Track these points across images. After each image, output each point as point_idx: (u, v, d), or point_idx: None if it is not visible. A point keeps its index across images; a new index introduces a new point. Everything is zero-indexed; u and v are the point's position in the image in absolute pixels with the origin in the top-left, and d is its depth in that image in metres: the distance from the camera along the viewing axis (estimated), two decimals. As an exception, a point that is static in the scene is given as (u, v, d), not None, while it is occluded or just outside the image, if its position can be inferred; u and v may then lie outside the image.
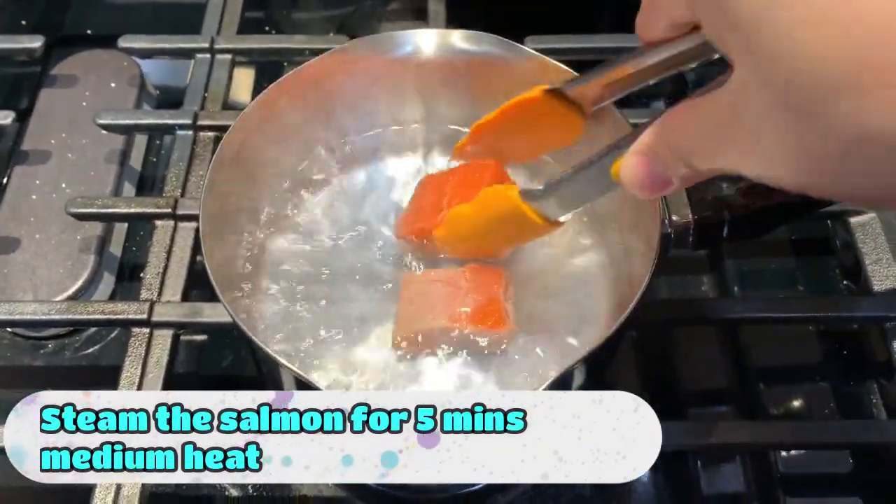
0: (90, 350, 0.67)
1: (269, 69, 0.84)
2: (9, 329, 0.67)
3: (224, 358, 0.66)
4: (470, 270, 0.51)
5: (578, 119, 0.48)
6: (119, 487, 0.52)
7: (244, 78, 0.83)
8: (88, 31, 0.89)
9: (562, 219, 0.46)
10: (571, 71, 0.54)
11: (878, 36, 0.25)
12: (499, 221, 0.48)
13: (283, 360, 0.41)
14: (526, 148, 0.53)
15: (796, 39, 0.26)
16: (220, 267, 0.49)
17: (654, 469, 0.60)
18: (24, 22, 0.88)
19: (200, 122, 0.69)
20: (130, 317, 0.58)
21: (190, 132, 0.69)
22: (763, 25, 0.27)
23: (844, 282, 0.67)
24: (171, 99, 0.81)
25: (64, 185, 0.71)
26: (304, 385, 0.43)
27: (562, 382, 0.42)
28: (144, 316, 0.58)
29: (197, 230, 0.62)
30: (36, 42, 0.75)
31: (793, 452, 0.59)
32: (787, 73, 0.27)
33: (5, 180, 0.73)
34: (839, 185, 0.29)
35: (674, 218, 0.49)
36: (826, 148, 0.27)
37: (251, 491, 0.60)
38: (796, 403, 0.63)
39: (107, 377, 0.62)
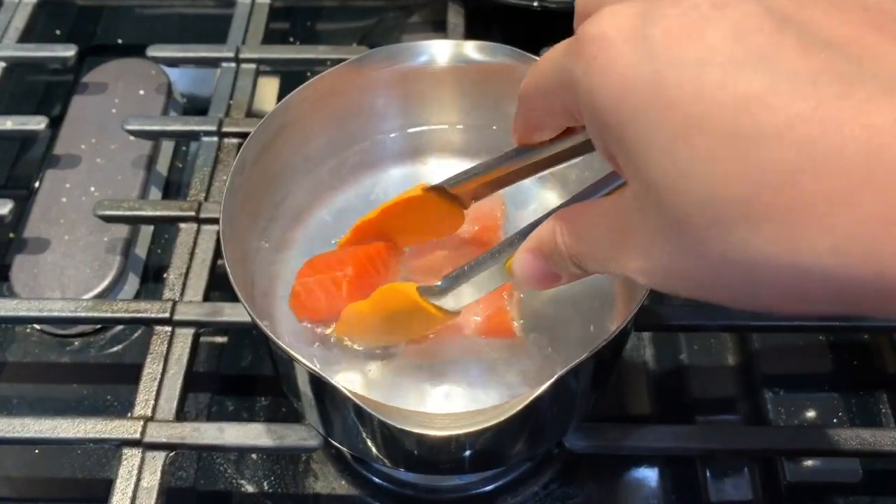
0: (115, 348, 0.70)
1: (293, 78, 0.86)
2: (37, 326, 0.69)
3: (243, 359, 0.68)
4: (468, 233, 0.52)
5: (460, 211, 0.51)
6: (139, 480, 0.54)
7: (269, 87, 0.85)
8: (119, 41, 0.92)
9: (460, 309, 0.46)
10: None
11: (766, 177, 0.26)
12: (398, 317, 0.49)
13: (301, 358, 0.43)
14: (409, 238, 0.55)
15: (693, 174, 0.27)
16: (240, 268, 0.51)
17: (662, 475, 0.61)
18: (57, 31, 0.91)
19: (225, 129, 0.71)
20: (153, 315, 0.60)
21: (215, 139, 0.71)
22: (662, 159, 0.28)
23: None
24: (197, 107, 0.84)
25: (93, 189, 0.74)
26: (319, 384, 0.45)
27: (566, 382, 0.43)
28: (167, 315, 0.60)
29: (219, 233, 0.65)
30: (69, 51, 0.77)
31: (800, 461, 0.59)
32: (682, 203, 0.28)
33: (37, 184, 0.75)
34: (729, 299, 0.30)
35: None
36: (716, 271, 0.28)
37: (266, 488, 0.61)
38: (805, 412, 0.63)
39: (129, 374, 0.64)
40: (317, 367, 0.43)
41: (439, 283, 0.46)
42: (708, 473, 0.60)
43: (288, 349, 0.43)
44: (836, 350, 0.65)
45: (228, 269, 0.47)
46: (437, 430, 0.40)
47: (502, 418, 0.40)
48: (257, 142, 0.52)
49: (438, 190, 0.49)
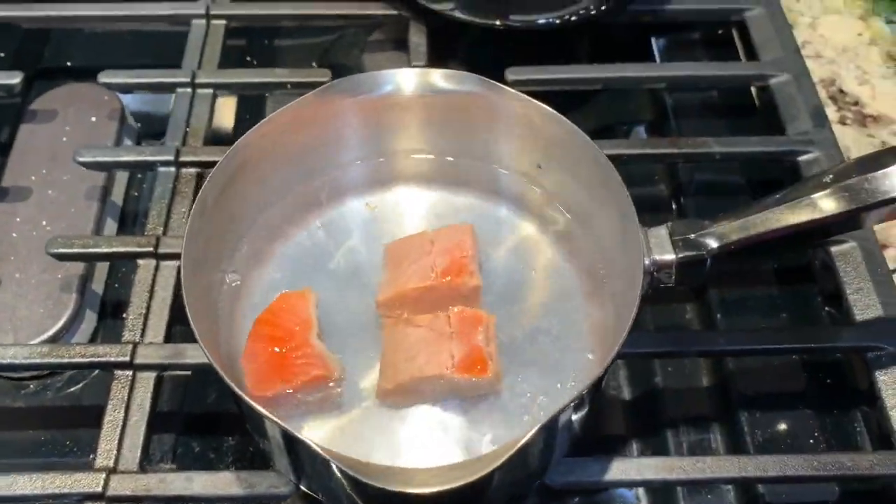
0: (72, 389, 0.67)
1: (252, 98, 0.83)
2: (-12, 370, 0.66)
3: (208, 395, 0.66)
4: (453, 315, 0.51)
5: None
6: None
7: (226, 107, 0.83)
8: (69, 63, 0.88)
9: None
10: (553, 111, 0.55)
11: None
12: None
13: (268, 413, 0.41)
14: None
15: None
16: (204, 318, 0.49)
17: (641, 498, 0.61)
18: (2, 54, 0.87)
19: (182, 159, 0.68)
20: (112, 359, 0.58)
21: (172, 169, 0.68)
22: None
23: (826, 308, 0.68)
24: (152, 129, 0.80)
25: (45, 223, 0.71)
26: (291, 440, 0.43)
27: (551, 423, 0.42)
28: (127, 358, 0.58)
29: (179, 270, 0.62)
30: (14, 78, 0.74)
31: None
32: None
33: (-17, 218, 0.72)
34: None
35: (655, 258, 0.49)
36: None
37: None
38: (781, 432, 0.63)
39: (89, 417, 0.62)
40: (282, 419, 0.42)
41: None
42: (687, 495, 0.60)
43: (259, 408, 0.41)
44: (810, 370, 0.65)
45: (191, 321, 0.45)
46: (418, 487, 0.39)
47: (482, 473, 0.39)
48: (216, 182, 0.50)
49: None
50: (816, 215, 0.47)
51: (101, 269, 0.71)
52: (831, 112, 0.78)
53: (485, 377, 0.48)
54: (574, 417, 0.47)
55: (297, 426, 0.50)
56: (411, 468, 0.45)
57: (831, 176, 0.48)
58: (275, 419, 0.41)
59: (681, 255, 0.49)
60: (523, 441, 0.39)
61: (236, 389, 0.43)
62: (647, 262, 0.49)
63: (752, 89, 0.80)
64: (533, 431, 0.40)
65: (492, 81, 0.55)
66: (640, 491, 0.60)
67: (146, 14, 0.82)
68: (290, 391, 0.49)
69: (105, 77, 0.74)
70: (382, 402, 0.50)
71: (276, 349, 0.50)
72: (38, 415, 0.66)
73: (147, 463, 0.57)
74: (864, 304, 0.61)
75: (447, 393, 0.50)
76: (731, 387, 0.64)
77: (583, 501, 0.60)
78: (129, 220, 0.75)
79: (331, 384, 0.50)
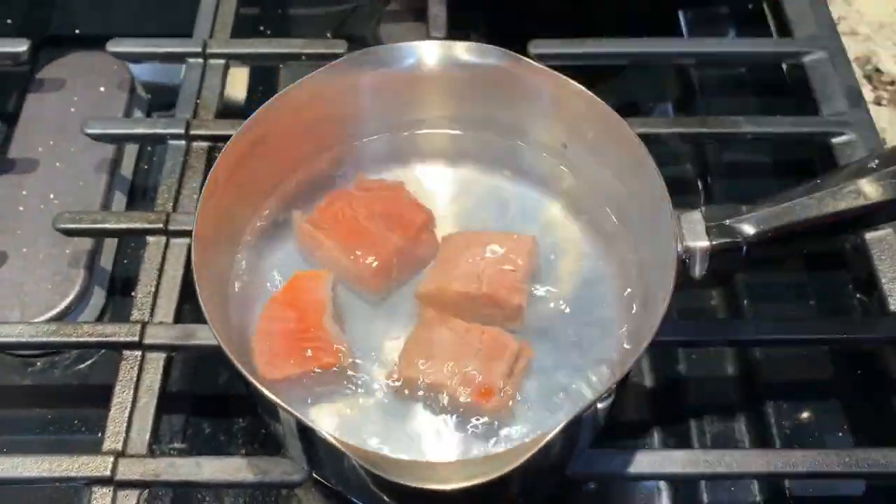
0: (80, 367, 0.65)
1: (265, 67, 0.81)
2: (-5, 347, 0.65)
3: (219, 376, 0.64)
4: (487, 333, 0.49)
5: None
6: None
7: (238, 77, 0.81)
8: (77, 31, 0.86)
9: None
10: (579, 86, 0.52)
11: None
12: None
13: (282, 403, 0.39)
14: None
15: None
16: (212, 293, 0.47)
17: (664, 490, 0.59)
18: (9, 21, 0.85)
19: (193, 132, 0.66)
20: (121, 339, 0.56)
21: (182, 142, 0.66)
22: None
23: (857, 296, 0.65)
24: (162, 100, 0.78)
25: (52, 196, 0.69)
26: (309, 432, 0.41)
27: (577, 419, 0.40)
28: (136, 338, 0.56)
29: (189, 248, 0.60)
30: (21, 46, 0.72)
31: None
32: None
33: (-13, 191, 0.70)
34: None
35: (689, 244, 0.47)
36: None
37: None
38: (808, 423, 0.61)
39: (96, 396, 0.60)
40: (294, 401, 0.40)
41: None
42: (710, 488, 0.58)
43: (276, 399, 0.40)
44: (839, 360, 0.63)
45: (201, 303, 0.43)
46: (440, 483, 0.37)
47: (506, 469, 0.37)
48: (229, 160, 0.48)
49: None
50: (861, 202, 0.45)
51: (110, 244, 0.69)
52: (866, 91, 0.75)
53: (485, 406, 0.46)
54: (600, 411, 0.46)
55: (309, 410, 0.48)
56: (432, 462, 0.43)
57: (876, 161, 0.45)
58: (288, 408, 0.39)
59: (715, 242, 0.47)
60: (549, 438, 0.38)
61: (248, 376, 0.42)
62: (679, 248, 0.46)
63: (784, 66, 0.77)
64: (559, 428, 0.38)
65: (516, 55, 0.53)
66: (662, 487, 0.59)
67: (157, -20, 0.79)
68: (301, 375, 0.47)
69: (113, 46, 0.71)
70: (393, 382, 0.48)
71: (288, 331, 0.49)
72: (46, 392, 0.64)
73: (156, 444, 0.55)
74: (900, 294, 0.59)
75: (448, 405, 0.48)
76: (757, 376, 0.62)
77: (603, 487, 0.59)
78: (139, 195, 0.73)
79: (344, 369, 0.48)
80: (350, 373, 0.50)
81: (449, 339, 0.48)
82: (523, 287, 0.51)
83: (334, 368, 0.48)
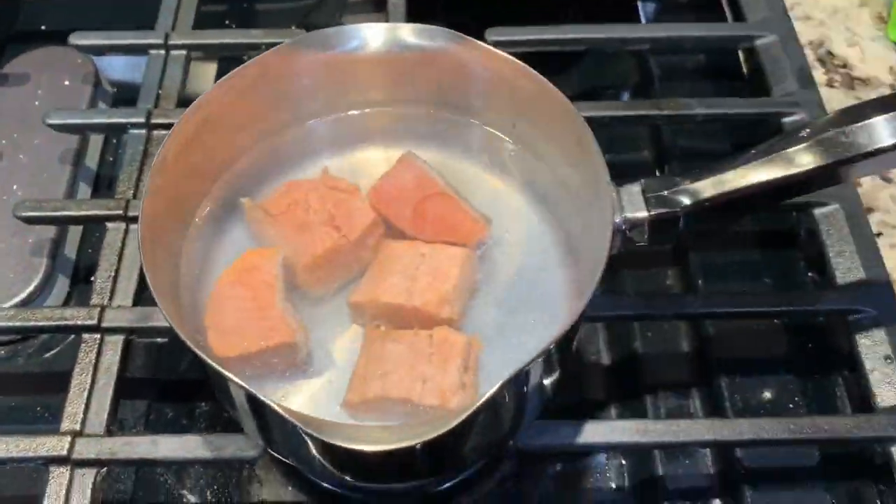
0: (45, 355, 0.66)
1: (231, 61, 0.82)
2: (-43, 335, 0.65)
3: (182, 361, 0.65)
4: (436, 335, 0.49)
5: None
6: (67, 499, 0.51)
7: (207, 71, 0.81)
8: (42, 27, 0.86)
9: None
10: (526, 66, 0.53)
11: None
12: None
13: (234, 377, 0.40)
14: None
15: None
16: (165, 277, 0.48)
17: (618, 465, 0.60)
18: (-26, 18, 0.86)
19: (154, 121, 0.67)
20: (80, 322, 0.57)
21: (143, 131, 0.67)
22: None
23: (809, 273, 0.67)
24: (127, 96, 0.79)
25: (16, 188, 0.69)
26: (255, 401, 0.42)
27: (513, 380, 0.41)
28: (94, 321, 0.57)
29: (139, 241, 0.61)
30: (-16, 40, 0.72)
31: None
32: None
33: (-47, 183, 0.71)
34: None
35: (627, 215, 0.48)
36: None
37: (210, 497, 0.59)
38: (761, 396, 0.62)
39: (59, 384, 0.61)
40: (247, 380, 0.41)
41: None
42: (664, 461, 0.59)
43: (220, 368, 0.40)
44: (791, 333, 0.64)
45: (148, 277, 0.44)
46: (371, 444, 0.38)
47: (438, 432, 0.38)
48: (178, 138, 0.49)
49: None
50: (793, 170, 0.46)
51: (74, 234, 0.70)
52: (819, 75, 0.76)
53: (451, 405, 0.46)
54: (542, 376, 0.46)
55: (261, 388, 0.49)
56: (367, 425, 0.44)
57: (808, 130, 0.47)
58: (232, 377, 0.40)
59: (653, 213, 0.48)
60: (482, 400, 0.38)
61: (198, 351, 0.42)
62: (618, 219, 0.47)
63: (740, 54, 0.79)
64: (494, 390, 0.39)
65: (462, 35, 0.54)
66: (620, 460, 0.60)
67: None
68: (252, 354, 0.48)
69: (76, 38, 0.72)
70: (349, 412, 0.49)
71: (241, 309, 0.49)
72: (9, 381, 0.65)
73: (118, 429, 0.56)
74: (847, 268, 0.60)
75: (413, 416, 0.48)
76: (710, 352, 0.63)
77: (562, 469, 0.60)
78: (104, 185, 0.74)
79: (296, 349, 0.49)
80: (304, 353, 0.50)
81: (398, 351, 0.48)
82: (453, 300, 0.51)
83: (288, 349, 0.49)
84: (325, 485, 0.58)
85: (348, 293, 0.53)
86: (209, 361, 0.41)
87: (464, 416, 0.38)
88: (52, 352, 0.66)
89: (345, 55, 0.54)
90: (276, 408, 0.39)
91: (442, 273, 0.51)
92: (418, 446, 0.37)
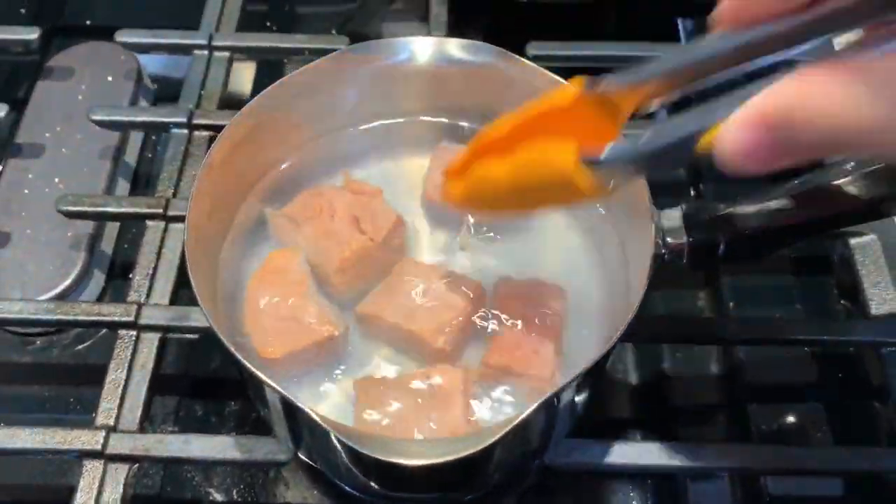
0: (78, 348, 0.67)
1: (270, 64, 0.83)
2: (-4, 324, 0.66)
3: (212, 360, 0.66)
4: (432, 375, 0.48)
5: (611, 132, 0.39)
6: (100, 493, 0.52)
7: (245, 72, 0.82)
8: (88, 22, 0.88)
9: (610, 188, 0.38)
10: (562, 81, 0.53)
11: None
12: (539, 186, 0.40)
13: (267, 379, 0.41)
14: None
15: None
16: (208, 280, 0.48)
17: (642, 488, 0.60)
18: (22, 10, 0.87)
19: (195, 122, 0.68)
20: (117, 319, 0.58)
21: (185, 131, 0.68)
22: None
23: (842, 301, 0.66)
24: (168, 91, 0.80)
25: (57, 181, 0.70)
26: (291, 408, 0.42)
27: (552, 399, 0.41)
28: (131, 318, 0.57)
29: (183, 244, 0.62)
30: (32, 34, 0.74)
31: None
32: None
33: (-3, 173, 0.72)
34: None
35: (668, 240, 0.48)
36: None
37: (236, 497, 0.59)
38: (789, 424, 0.62)
39: (93, 375, 0.62)
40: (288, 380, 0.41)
41: (602, 155, 0.37)
42: (690, 486, 0.59)
43: (259, 374, 0.41)
44: (821, 362, 0.64)
45: (193, 283, 0.45)
46: (412, 458, 0.38)
47: (478, 448, 0.38)
48: (226, 143, 0.49)
49: (595, 95, 0.39)
50: (839, 201, 0.46)
51: (111, 229, 0.71)
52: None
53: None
54: (576, 396, 0.47)
55: (300, 391, 0.49)
56: (408, 439, 0.45)
57: (853, 163, 0.46)
58: (273, 384, 0.40)
59: (693, 239, 0.48)
60: (522, 417, 0.39)
61: (237, 354, 0.43)
62: (658, 244, 0.48)
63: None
64: (533, 407, 0.39)
65: (508, 52, 0.54)
66: (640, 485, 0.60)
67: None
68: (298, 352, 0.49)
69: (122, 36, 0.73)
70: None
71: (277, 312, 0.50)
72: (43, 371, 0.66)
73: (148, 424, 0.57)
74: (882, 299, 0.60)
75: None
76: (739, 377, 0.63)
77: (580, 493, 0.60)
78: (142, 182, 0.75)
79: (339, 342, 0.50)
80: (345, 345, 0.51)
81: (393, 399, 0.47)
82: (450, 331, 0.50)
83: (331, 341, 0.49)
84: (352, 491, 0.59)
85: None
86: (248, 366, 0.42)
87: (504, 432, 0.38)
88: (86, 344, 0.67)
89: (393, 66, 0.55)
90: (315, 417, 0.39)
91: (449, 303, 0.51)
92: (456, 462, 0.38)
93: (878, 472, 0.53)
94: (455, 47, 0.55)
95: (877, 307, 0.60)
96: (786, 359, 0.64)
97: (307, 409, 0.40)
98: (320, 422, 0.39)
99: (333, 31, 0.86)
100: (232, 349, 0.43)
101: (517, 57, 0.55)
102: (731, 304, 0.66)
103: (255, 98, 0.52)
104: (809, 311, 0.66)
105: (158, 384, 0.58)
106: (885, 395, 0.58)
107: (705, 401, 0.64)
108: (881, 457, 0.53)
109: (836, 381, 0.63)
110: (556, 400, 0.43)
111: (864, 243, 0.62)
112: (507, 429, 0.39)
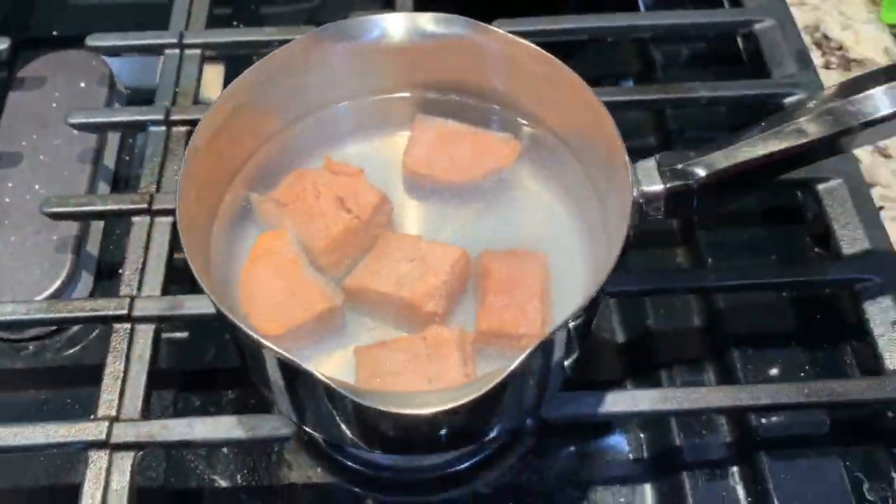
0: (71, 351, 0.67)
1: (238, 64, 0.83)
2: (-12, 331, 0.67)
3: (206, 353, 0.67)
4: (429, 335, 0.50)
5: None
6: (107, 483, 0.52)
7: (214, 74, 0.83)
8: (55, 33, 0.88)
9: None
10: (541, 50, 0.55)
11: None
12: None
13: (271, 345, 0.42)
14: None
15: None
16: (201, 258, 0.49)
17: (635, 439, 0.62)
18: (-12, 24, 0.87)
19: (173, 118, 0.69)
20: (111, 313, 0.58)
21: (163, 128, 0.69)
22: None
23: (815, 249, 0.69)
24: (141, 98, 0.80)
25: (37, 187, 0.71)
26: (291, 370, 0.43)
27: (540, 353, 0.42)
28: (125, 311, 0.58)
29: (174, 224, 0.63)
30: (2, 44, 0.74)
31: (771, 416, 0.60)
32: None
33: (-25, 184, 0.72)
34: None
35: (644, 189, 0.50)
36: None
37: (240, 481, 0.60)
38: (772, 368, 0.64)
39: (88, 377, 0.63)
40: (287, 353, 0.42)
41: None
42: (681, 433, 0.61)
43: (258, 337, 0.42)
44: (799, 306, 0.66)
45: (190, 261, 0.45)
46: (418, 408, 0.40)
47: (482, 392, 0.40)
48: (209, 126, 0.51)
49: None
50: (800, 140, 0.48)
51: (96, 231, 0.71)
52: (816, 57, 0.78)
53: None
54: (567, 349, 0.48)
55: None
56: (409, 391, 0.46)
57: (814, 102, 0.49)
58: (278, 349, 0.41)
59: (669, 185, 0.50)
60: (519, 360, 0.40)
61: (242, 325, 0.44)
62: (635, 193, 0.49)
63: (739, 41, 0.81)
64: (529, 351, 0.40)
65: (479, 23, 0.56)
66: (633, 436, 0.61)
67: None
68: (299, 326, 0.50)
69: (93, 40, 0.74)
70: None
71: (273, 292, 0.51)
72: (38, 376, 0.66)
73: (149, 415, 0.57)
74: (852, 239, 0.62)
75: None
76: (721, 326, 0.65)
77: (578, 451, 0.61)
78: (122, 183, 0.76)
79: (338, 312, 0.51)
80: (340, 318, 0.52)
81: (396, 358, 0.49)
82: (440, 295, 0.52)
83: (329, 315, 0.50)
84: (354, 465, 0.60)
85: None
86: (254, 335, 0.43)
87: (503, 376, 0.39)
88: (78, 346, 0.68)
89: (367, 44, 0.56)
90: (320, 376, 0.40)
91: (435, 269, 0.53)
92: (463, 408, 0.39)
93: (861, 402, 0.55)
94: (428, 21, 0.56)
95: (848, 247, 0.62)
96: (765, 306, 0.66)
97: (313, 371, 0.41)
98: (325, 381, 0.40)
99: (301, 25, 0.87)
100: (236, 321, 0.43)
101: (488, 26, 0.56)
102: (709, 259, 0.68)
103: (231, 84, 0.53)
104: (785, 260, 0.69)
105: (155, 378, 0.58)
106: (861, 331, 0.60)
107: (691, 352, 0.66)
108: (864, 386, 0.55)
109: (814, 323, 0.66)
110: (549, 346, 0.44)
111: (832, 188, 0.65)
112: (506, 373, 0.40)
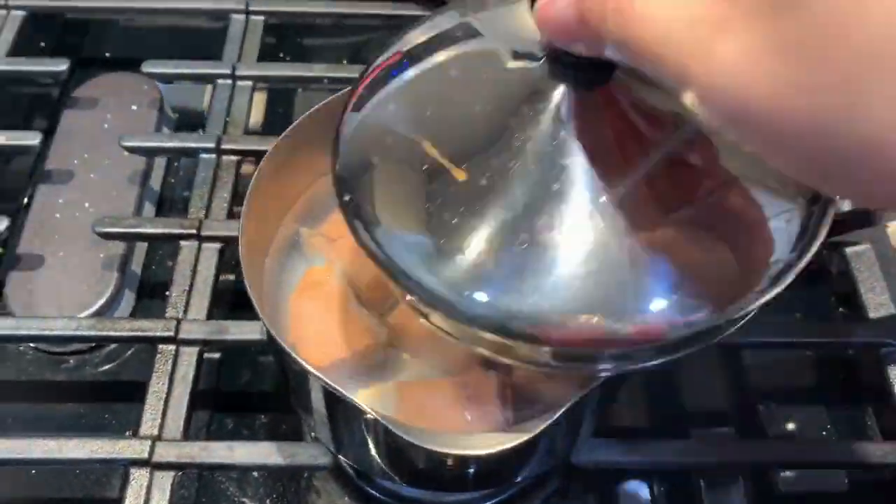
0: (110, 366, 0.69)
1: (281, 93, 0.86)
2: (31, 344, 0.68)
3: (241, 376, 0.68)
4: (470, 377, 0.50)
5: None
6: (147, 501, 0.54)
7: (257, 100, 0.85)
8: (107, 55, 0.91)
9: None
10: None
11: None
12: None
13: (324, 377, 0.43)
14: None
15: None
16: (257, 287, 0.51)
17: (658, 488, 0.63)
18: (42, 44, 0.90)
19: (223, 146, 0.71)
20: (158, 334, 0.60)
21: (213, 156, 0.71)
22: None
23: (840, 309, 0.71)
24: (188, 121, 0.83)
25: (87, 205, 0.73)
26: (338, 403, 0.45)
27: (586, 399, 0.44)
28: (171, 333, 0.60)
29: (221, 250, 0.65)
30: (62, 65, 0.77)
31: (792, 473, 0.61)
32: None
33: (25, 200, 0.75)
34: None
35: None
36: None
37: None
38: (794, 425, 0.66)
39: (127, 392, 0.65)
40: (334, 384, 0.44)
41: None
42: (703, 485, 0.62)
43: (309, 367, 0.44)
44: (823, 366, 0.67)
45: (248, 288, 0.47)
46: (463, 449, 0.41)
47: (526, 437, 0.41)
48: (272, 161, 0.53)
49: None
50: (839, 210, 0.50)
51: (139, 251, 0.74)
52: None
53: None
54: (604, 394, 0.50)
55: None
56: (454, 433, 0.47)
57: None
58: (328, 381, 0.43)
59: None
60: (566, 407, 0.42)
61: (291, 351, 0.45)
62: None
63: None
64: (575, 398, 0.42)
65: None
66: (656, 485, 0.63)
67: (186, 7, 0.85)
68: (342, 360, 0.51)
69: (149, 67, 0.76)
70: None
71: (321, 324, 0.53)
72: (77, 390, 0.68)
73: (189, 437, 0.59)
74: (878, 303, 0.64)
75: None
76: (746, 381, 0.67)
77: (601, 495, 0.63)
78: (167, 206, 0.78)
79: (382, 348, 0.52)
80: (388, 353, 0.53)
81: (439, 397, 0.50)
82: None
83: (375, 351, 0.52)
84: (382, 497, 0.61)
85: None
86: (305, 365, 0.44)
87: (548, 423, 0.41)
88: (117, 361, 0.69)
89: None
90: (375, 415, 0.42)
91: None
92: (507, 452, 0.40)
93: (884, 465, 0.57)
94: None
95: (874, 311, 0.64)
96: (790, 364, 0.68)
97: (364, 406, 0.42)
98: (377, 417, 0.42)
99: (345, 62, 0.90)
100: (286, 347, 0.45)
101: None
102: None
103: (296, 121, 0.55)
104: (810, 319, 0.70)
105: (196, 399, 0.60)
106: (884, 394, 0.62)
107: (715, 405, 0.67)
108: (888, 450, 0.57)
109: (837, 384, 0.67)
110: (593, 395, 0.46)
111: (860, 252, 0.67)
112: (552, 419, 0.41)
